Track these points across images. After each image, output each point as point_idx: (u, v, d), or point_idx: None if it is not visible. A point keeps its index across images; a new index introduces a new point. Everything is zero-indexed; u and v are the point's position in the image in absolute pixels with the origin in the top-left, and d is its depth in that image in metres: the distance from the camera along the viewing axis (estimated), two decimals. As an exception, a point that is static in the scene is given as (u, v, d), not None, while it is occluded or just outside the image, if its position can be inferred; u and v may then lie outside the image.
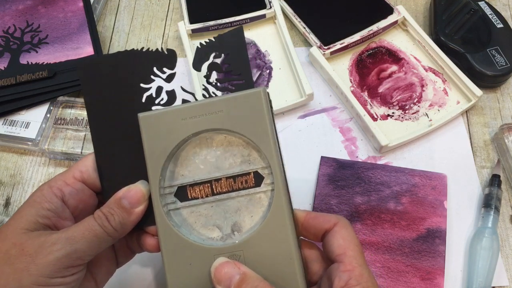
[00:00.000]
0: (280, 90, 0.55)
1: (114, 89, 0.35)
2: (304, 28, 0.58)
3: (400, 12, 0.58)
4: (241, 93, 0.33)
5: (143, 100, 0.35)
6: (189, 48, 0.57)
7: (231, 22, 0.58)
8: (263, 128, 0.32)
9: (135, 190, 0.33)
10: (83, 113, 0.54)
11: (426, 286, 0.44)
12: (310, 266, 0.33)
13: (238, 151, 0.33)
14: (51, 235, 0.30)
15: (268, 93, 0.33)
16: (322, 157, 0.51)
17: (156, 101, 0.35)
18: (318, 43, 0.56)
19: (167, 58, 0.35)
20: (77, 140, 0.52)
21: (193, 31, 0.58)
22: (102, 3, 0.64)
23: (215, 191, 0.33)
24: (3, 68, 0.56)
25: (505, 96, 0.56)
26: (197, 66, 0.36)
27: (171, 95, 0.35)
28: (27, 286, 0.29)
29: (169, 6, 0.64)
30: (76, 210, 0.33)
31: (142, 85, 0.35)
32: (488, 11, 0.58)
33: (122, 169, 0.34)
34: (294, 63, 0.55)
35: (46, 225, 0.31)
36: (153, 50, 0.35)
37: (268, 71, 0.57)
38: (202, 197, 0.33)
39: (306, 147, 0.53)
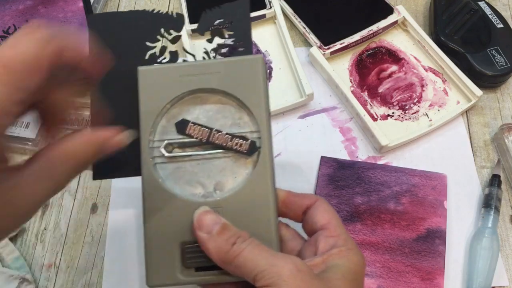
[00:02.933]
0: (280, 90, 0.55)
1: (120, 44, 0.36)
2: (304, 28, 0.58)
3: (400, 12, 0.58)
4: (239, 58, 0.35)
5: (146, 57, 0.36)
6: (189, 48, 0.57)
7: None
8: (258, 93, 0.33)
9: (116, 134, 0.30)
10: (83, 113, 0.54)
11: (426, 286, 0.44)
12: (287, 244, 0.34)
13: (230, 113, 0.34)
14: None
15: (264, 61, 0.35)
16: (322, 157, 0.51)
17: (159, 60, 0.36)
18: (318, 43, 0.56)
19: (175, 21, 0.37)
20: (77, 140, 0.52)
21: (193, 31, 0.58)
22: (102, 3, 0.64)
23: (201, 148, 0.34)
24: (3, 68, 0.56)
25: (505, 96, 0.56)
26: (201, 30, 0.38)
27: (174, 55, 0.37)
28: None
29: (169, 6, 0.64)
30: None
31: (147, 43, 0.36)
32: (488, 11, 0.58)
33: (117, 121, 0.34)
34: (294, 63, 0.55)
35: None
36: (163, 12, 0.37)
37: (268, 71, 0.57)
38: (188, 154, 0.34)
39: (306, 147, 0.53)
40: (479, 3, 0.58)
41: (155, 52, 0.37)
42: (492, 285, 0.44)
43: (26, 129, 0.54)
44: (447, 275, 0.45)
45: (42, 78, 0.26)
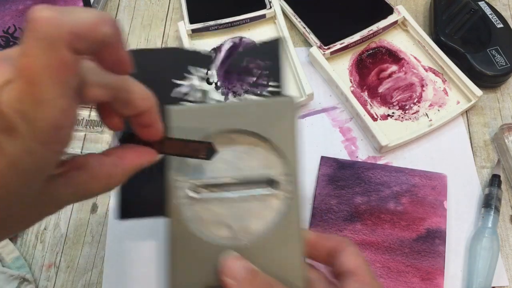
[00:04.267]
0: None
1: (146, 81, 0.36)
2: (304, 28, 0.58)
3: (400, 12, 0.58)
4: (271, 99, 0.34)
5: (172, 94, 0.36)
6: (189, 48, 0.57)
7: (231, 22, 0.58)
8: (289, 136, 0.33)
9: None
10: (82, 113, 0.54)
11: (426, 286, 0.44)
12: (314, 286, 0.34)
13: (259, 154, 0.33)
14: None
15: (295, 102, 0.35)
16: (322, 157, 0.51)
17: (185, 97, 0.36)
18: (318, 43, 0.56)
19: (203, 59, 0.37)
20: (77, 140, 0.52)
21: (193, 31, 0.58)
22: (102, 3, 0.64)
23: (230, 191, 0.33)
24: (3, 68, 0.56)
25: (505, 96, 0.56)
26: (235, 68, 0.38)
27: (202, 94, 0.37)
28: None
29: (169, 6, 0.64)
30: None
31: (174, 80, 0.36)
32: (488, 11, 0.58)
33: None
34: (294, 63, 0.55)
35: None
36: (190, 50, 0.36)
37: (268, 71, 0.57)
38: (215, 195, 0.33)
39: (306, 147, 0.53)
40: (479, 3, 0.58)
41: (181, 90, 0.36)
42: (492, 285, 0.44)
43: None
44: (447, 275, 0.45)
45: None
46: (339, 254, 0.33)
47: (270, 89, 0.36)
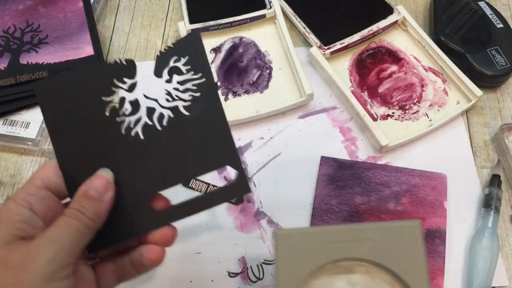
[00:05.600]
0: (280, 90, 0.55)
1: (75, 106, 0.34)
2: (304, 28, 0.58)
3: (400, 12, 0.58)
4: (393, 224, 0.32)
5: (107, 113, 0.34)
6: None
7: (231, 22, 0.58)
8: (418, 265, 0.29)
9: (98, 178, 0.32)
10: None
11: (426, 286, 0.44)
12: None
13: (381, 287, 0.30)
14: (31, 242, 0.29)
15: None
16: (322, 157, 0.51)
17: (120, 112, 0.34)
18: (318, 43, 0.56)
19: (126, 68, 0.34)
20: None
21: (193, 31, 0.58)
22: (102, 3, 0.64)
23: None
24: (3, 68, 0.56)
25: (505, 96, 0.56)
26: (158, 72, 0.35)
27: (135, 104, 0.34)
28: None
29: (169, 6, 0.64)
30: (46, 218, 0.32)
31: (103, 98, 0.34)
32: (488, 11, 0.58)
33: (89, 173, 0.34)
34: (294, 63, 0.55)
35: (21, 236, 0.30)
36: (111, 62, 0.34)
37: (268, 71, 0.57)
38: None
39: (306, 147, 0.53)
40: (479, 3, 0.58)
41: (114, 106, 0.34)
42: (492, 285, 0.44)
43: (26, 129, 0.54)
44: (447, 275, 0.45)
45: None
46: None
47: (195, 82, 0.34)
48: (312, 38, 0.57)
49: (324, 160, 0.51)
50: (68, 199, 0.33)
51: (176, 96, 0.35)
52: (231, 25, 0.59)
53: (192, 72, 0.34)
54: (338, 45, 0.56)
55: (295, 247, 0.30)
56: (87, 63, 0.57)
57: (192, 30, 0.57)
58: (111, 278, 0.35)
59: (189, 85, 0.34)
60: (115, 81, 0.34)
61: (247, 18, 0.58)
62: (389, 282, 0.29)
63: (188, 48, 0.34)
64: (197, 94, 0.34)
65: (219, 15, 0.58)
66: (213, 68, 0.57)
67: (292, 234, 0.31)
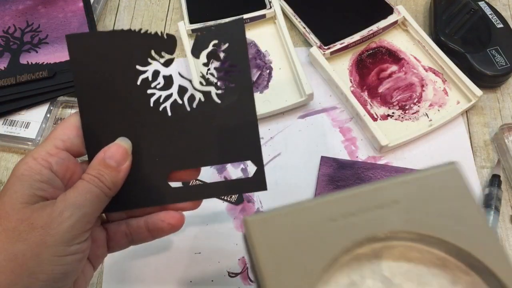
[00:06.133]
0: (280, 90, 0.55)
1: (107, 67, 0.33)
2: (304, 28, 0.58)
3: (400, 12, 0.58)
4: (425, 172, 0.21)
5: (138, 82, 0.34)
6: (189, 48, 0.57)
7: (231, 22, 0.58)
8: (482, 230, 0.19)
9: (116, 148, 0.33)
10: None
11: (426, 286, 0.44)
12: None
13: (434, 276, 0.19)
14: (56, 204, 0.30)
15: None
16: (322, 157, 0.51)
17: (152, 85, 0.34)
18: (318, 43, 0.56)
19: (167, 43, 0.34)
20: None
21: (193, 31, 0.58)
22: (102, 3, 0.64)
23: None
24: (3, 68, 0.56)
25: (505, 96, 0.56)
26: (196, 53, 0.35)
27: (168, 80, 0.34)
28: (46, 259, 0.29)
29: (169, 6, 0.64)
30: (65, 179, 0.33)
31: (138, 67, 0.34)
32: (488, 11, 0.58)
33: (110, 138, 0.34)
34: (294, 63, 0.55)
35: (44, 197, 0.31)
36: (152, 32, 0.34)
37: (268, 71, 0.57)
38: None
39: (306, 147, 0.53)
40: (479, 3, 0.58)
41: (147, 77, 0.34)
42: (492, 285, 0.44)
43: (26, 129, 0.54)
44: (447, 275, 0.45)
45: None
46: None
47: (232, 73, 0.34)
48: (312, 38, 0.57)
49: (324, 160, 0.51)
50: (83, 157, 0.34)
51: (211, 81, 0.34)
52: (231, 25, 0.58)
53: (230, 62, 0.34)
54: (338, 45, 0.56)
55: (285, 238, 0.20)
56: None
57: (193, 30, 0.57)
58: (122, 240, 0.36)
59: (225, 74, 0.34)
60: (153, 52, 0.34)
61: (247, 18, 0.58)
62: (442, 262, 0.19)
63: (230, 35, 0.34)
64: (232, 85, 0.34)
65: (219, 15, 0.58)
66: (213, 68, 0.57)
67: (273, 217, 0.21)
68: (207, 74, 0.35)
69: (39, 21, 0.60)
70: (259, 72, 0.57)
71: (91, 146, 0.33)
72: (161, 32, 0.34)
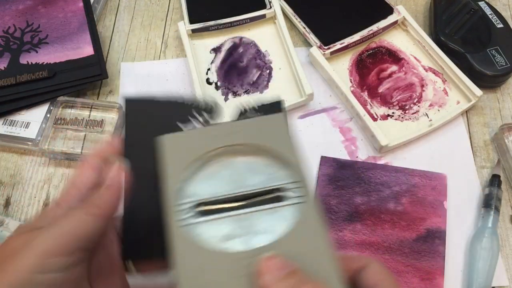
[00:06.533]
0: (280, 90, 0.55)
1: (153, 126, 0.36)
2: (304, 28, 0.58)
3: (400, 12, 0.58)
4: (264, 116, 0.35)
5: None
6: (189, 48, 0.57)
7: (231, 22, 0.58)
8: (290, 144, 0.33)
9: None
10: (83, 113, 0.54)
11: (426, 286, 0.44)
12: None
13: (263, 167, 0.32)
14: (34, 231, 0.29)
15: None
16: (322, 157, 0.51)
17: None
18: (318, 43, 0.56)
19: (208, 109, 0.38)
20: (77, 140, 0.52)
21: (193, 31, 0.58)
22: (102, 3, 0.64)
23: (236, 207, 0.31)
24: (3, 68, 0.56)
25: (505, 96, 0.56)
26: None
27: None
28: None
29: (169, 6, 0.64)
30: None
31: (178, 123, 0.37)
32: (488, 11, 0.58)
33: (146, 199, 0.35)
34: (294, 63, 0.55)
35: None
36: (196, 100, 0.37)
37: (268, 71, 0.57)
38: (222, 213, 0.31)
39: (306, 147, 0.53)
40: (479, 3, 0.58)
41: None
42: (492, 285, 0.44)
43: (26, 129, 0.54)
44: (447, 275, 0.45)
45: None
46: (362, 273, 0.32)
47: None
48: (312, 38, 0.57)
49: (324, 160, 0.51)
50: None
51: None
52: (231, 25, 0.59)
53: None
54: (338, 45, 0.56)
55: (180, 145, 0.32)
56: (87, 62, 0.57)
57: (193, 30, 0.57)
58: None
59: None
60: (194, 112, 0.37)
61: (247, 18, 0.58)
62: (268, 162, 0.33)
63: (270, 123, 0.36)
64: None
65: (219, 15, 0.58)
66: (213, 68, 0.57)
67: (175, 134, 0.33)
68: None
69: (39, 21, 0.60)
70: (259, 72, 0.57)
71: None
72: (204, 100, 0.38)
